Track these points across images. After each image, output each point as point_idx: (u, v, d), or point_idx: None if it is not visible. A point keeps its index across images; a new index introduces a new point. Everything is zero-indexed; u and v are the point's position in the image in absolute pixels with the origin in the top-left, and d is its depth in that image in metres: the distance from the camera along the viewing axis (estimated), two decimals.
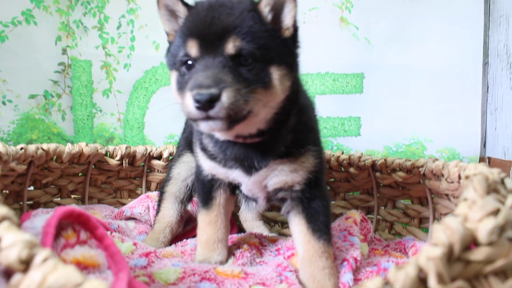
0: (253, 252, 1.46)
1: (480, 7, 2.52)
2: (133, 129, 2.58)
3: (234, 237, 1.62)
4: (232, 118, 1.05)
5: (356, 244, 1.42)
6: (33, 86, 2.52)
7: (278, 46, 1.15)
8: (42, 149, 1.59)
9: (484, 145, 2.59)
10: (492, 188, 0.92)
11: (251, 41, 1.09)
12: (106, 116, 2.59)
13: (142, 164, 2.05)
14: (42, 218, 1.03)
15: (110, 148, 1.94)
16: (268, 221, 2.09)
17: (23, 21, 2.48)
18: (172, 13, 1.24)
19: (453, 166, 1.34)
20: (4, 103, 2.47)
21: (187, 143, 1.78)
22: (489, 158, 2.53)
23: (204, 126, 1.09)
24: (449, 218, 0.80)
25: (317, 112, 1.51)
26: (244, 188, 1.37)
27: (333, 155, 1.90)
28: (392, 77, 2.59)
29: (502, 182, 1.01)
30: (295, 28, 1.21)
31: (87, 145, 1.83)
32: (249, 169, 1.29)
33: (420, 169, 1.59)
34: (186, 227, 1.87)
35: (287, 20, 1.17)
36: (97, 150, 1.86)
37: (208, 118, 1.04)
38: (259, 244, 1.57)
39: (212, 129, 1.12)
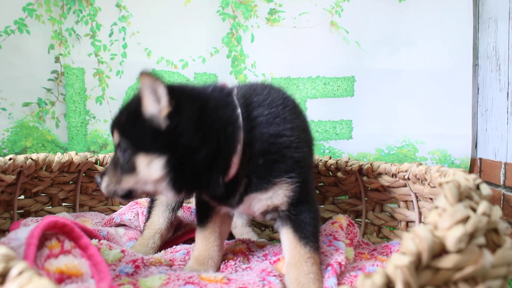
0: (238, 259, 1.48)
1: (469, 9, 2.54)
2: None
3: None
4: (118, 196, 1.28)
5: (341, 249, 1.44)
6: (26, 94, 2.55)
7: (147, 135, 1.19)
8: (31, 159, 1.61)
9: (476, 146, 2.61)
10: (465, 195, 0.93)
11: (123, 134, 1.23)
12: (100, 123, 2.62)
13: None
14: (26, 230, 1.05)
15: (100, 156, 1.95)
16: (258, 226, 2.11)
17: (15, 30, 2.50)
18: None
19: (435, 171, 1.36)
20: None
21: None
22: (480, 159, 2.54)
23: None
24: (419, 226, 0.82)
25: (307, 130, 1.50)
26: (238, 212, 1.49)
27: (321, 160, 1.92)
28: (383, 80, 2.61)
29: (478, 188, 1.03)
30: (176, 108, 1.16)
31: (76, 154, 1.84)
32: (229, 202, 1.35)
33: (404, 174, 1.60)
34: (176, 233, 1.87)
35: (162, 101, 1.16)
36: (87, 159, 1.88)
37: None
38: (247, 250, 1.59)
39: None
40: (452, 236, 0.79)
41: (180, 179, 1.21)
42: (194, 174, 1.22)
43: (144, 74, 1.13)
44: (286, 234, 1.35)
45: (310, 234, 1.32)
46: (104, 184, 1.28)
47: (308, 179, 1.38)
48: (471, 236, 0.82)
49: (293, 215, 1.34)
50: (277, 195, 1.31)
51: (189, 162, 1.19)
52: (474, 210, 0.89)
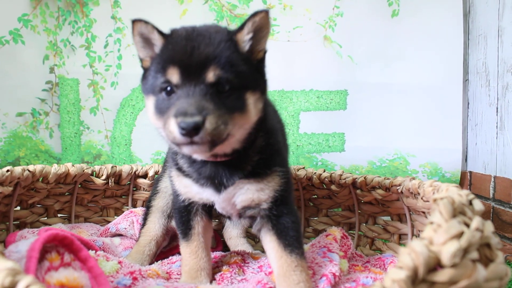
0: (233, 272, 1.49)
1: (460, 26, 2.60)
2: (120, 146, 2.61)
3: (217, 256, 1.65)
4: (214, 142, 1.11)
5: (335, 260, 1.46)
6: (20, 104, 2.55)
7: (252, 73, 1.22)
8: (29, 170, 1.61)
9: (466, 160, 2.65)
10: (459, 211, 0.96)
11: (229, 70, 1.15)
12: (94, 134, 2.62)
13: (128, 182, 2.07)
14: (26, 242, 1.06)
15: (96, 167, 1.96)
16: (253, 237, 2.12)
17: (10, 41, 2.51)
18: (147, 41, 1.29)
19: (428, 186, 1.39)
20: None
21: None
22: (470, 172, 2.59)
23: (187, 150, 1.16)
24: (415, 241, 0.84)
25: (285, 136, 1.63)
26: (218, 206, 1.42)
27: (315, 173, 1.94)
28: (375, 93, 2.65)
29: (470, 203, 1.06)
30: (264, 51, 1.28)
31: (73, 165, 1.85)
32: (219, 187, 1.35)
33: (397, 188, 1.63)
34: (172, 243, 1.89)
35: (261, 44, 1.24)
36: (83, 170, 1.88)
37: (192, 143, 1.10)
38: (242, 261, 1.60)
39: (195, 152, 1.20)
40: (447, 251, 0.82)
41: (258, 125, 1.27)
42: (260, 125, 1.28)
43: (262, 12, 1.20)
44: (270, 243, 1.36)
45: (294, 240, 1.33)
46: (213, 125, 1.08)
47: (290, 179, 1.44)
48: (465, 251, 0.84)
49: (274, 216, 1.35)
50: (267, 187, 1.34)
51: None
52: (467, 225, 0.92)
